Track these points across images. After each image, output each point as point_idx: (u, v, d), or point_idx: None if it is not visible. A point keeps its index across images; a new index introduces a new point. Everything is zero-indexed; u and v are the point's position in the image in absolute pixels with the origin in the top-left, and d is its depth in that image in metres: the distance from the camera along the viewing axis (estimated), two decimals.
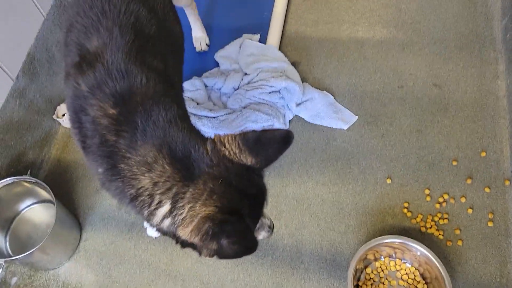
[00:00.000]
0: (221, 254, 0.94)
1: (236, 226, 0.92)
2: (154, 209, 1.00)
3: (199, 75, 2.03)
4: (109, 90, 1.04)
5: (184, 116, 1.11)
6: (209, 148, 1.00)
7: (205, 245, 0.92)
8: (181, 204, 0.96)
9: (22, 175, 1.67)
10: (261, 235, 1.17)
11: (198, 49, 2.14)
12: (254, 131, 0.96)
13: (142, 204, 1.01)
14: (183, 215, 0.95)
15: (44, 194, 1.73)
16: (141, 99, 1.04)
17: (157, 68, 1.13)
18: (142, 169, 0.99)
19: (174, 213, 0.97)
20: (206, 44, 2.14)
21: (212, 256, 0.95)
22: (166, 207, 0.98)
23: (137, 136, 1.01)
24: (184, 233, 0.96)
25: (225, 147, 0.98)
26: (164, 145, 1.00)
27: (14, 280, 1.69)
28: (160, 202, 0.99)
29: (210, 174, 0.97)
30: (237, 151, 0.96)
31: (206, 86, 1.99)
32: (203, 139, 1.04)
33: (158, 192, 0.98)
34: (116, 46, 1.09)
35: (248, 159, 0.95)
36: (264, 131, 0.95)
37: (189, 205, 0.95)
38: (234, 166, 0.98)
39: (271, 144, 0.94)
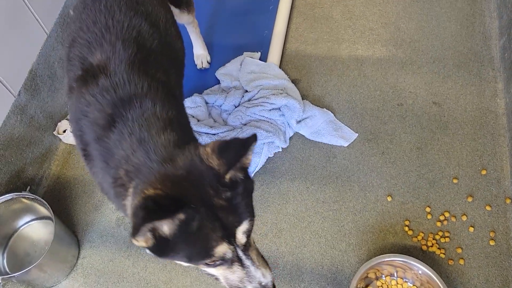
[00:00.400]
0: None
1: (161, 208, 0.85)
2: (124, 200, 1.00)
3: (200, 92, 2.05)
4: (111, 95, 1.06)
5: (180, 122, 1.11)
6: (190, 150, 0.96)
7: (134, 221, 0.84)
8: (138, 191, 0.94)
9: (21, 192, 1.66)
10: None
11: (199, 66, 2.15)
12: (231, 138, 0.94)
13: (120, 196, 1.01)
14: (136, 198, 0.93)
15: (43, 210, 1.72)
16: (139, 100, 1.06)
17: (159, 79, 1.15)
18: (122, 161, 1.00)
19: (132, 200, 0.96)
20: (207, 61, 2.16)
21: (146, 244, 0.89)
22: (129, 197, 0.98)
23: (125, 131, 1.02)
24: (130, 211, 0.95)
25: (206, 151, 0.95)
26: (149, 142, 0.99)
27: None
28: (127, 191, 0.99)
29: (176, 167, 0.94)
30: (208, 155, 0.93)
31: (206, 103, 1.99)
32: (191, 144, 1.00)
33: (128, 183, 0.98)
34: (119, 58, 1.11)
35: (214, 163, 0.92)
36: (238, 138, 0.93)
37: (145, 190, 0.91)
38: (204, 168, 0.92)
39: (234, 148, 0.92)
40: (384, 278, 1.53)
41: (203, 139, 1.81)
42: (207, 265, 0.95)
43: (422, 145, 1.80)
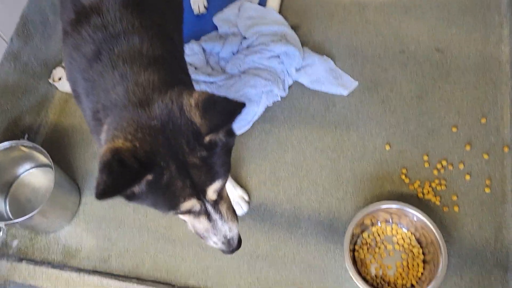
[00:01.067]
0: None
1: (127, 173, 0.81)
2: (100, 135, 0.97)
3: (197, 39, 1.99)
4: (102, 32, 1.04)
5: (172, 66, 1.07)
6: (172, 96, 0.91)
7: (98, 180, 0.80)
8: (110, 132, 0.90)
9: (19, 140, 1.66)
10: (211, 242, 1.05)
11: (196, 11, 2.09)
12: (219, 96, 0.88)
13: (97, 131, 0.99)
14: (106, 144, 0.90)
15: (42, 158, 1.73)
16: (128, 36, 1.03)
17: (154, 21, 1.11)
18: (102, 95, 0.98)
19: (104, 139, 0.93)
20: (204, 6, 2.09)
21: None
22: (104, 134, 0.95)
23: (109, 64, 0.99)
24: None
25: (189, 101, 0.89)
26: (130, 77, 0.96)
27: (15, 242, 1.72)
28: (102, 127, 0.96)
29: (151, 115, 0.89)
30: (192, 108, 0.87)
31: (204, 50, 1.95)
32: (174, 90, 0.93)
33: (104, 119, 0.96)
34: None
35: (196, 118, 0.86)
36: (226, 99, 0.86)
37: (114, 135, 0.88)
38: (183, 121, 0.87)
39: (222, 112, 0.85)
40: (379, 224, 1.56)
41: (200, 87, 1.79)
42: (174, 214, 0.96)
43: (423, 93, 1.78)
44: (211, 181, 0.92)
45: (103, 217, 1.71)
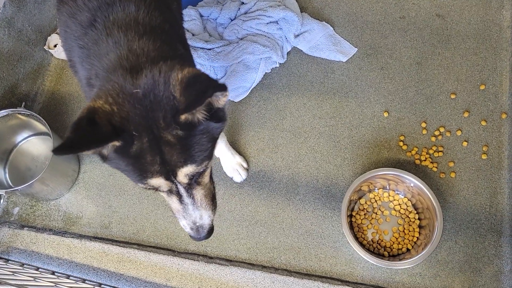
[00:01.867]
0: None
1: (93, 134, 0.80)
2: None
3: (194, 4, 1.95)
4: (96, 2, 1.02)
5: (168, 36, 1.04)
6: (162, 68, 0.88)
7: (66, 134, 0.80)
8: (93, 96, 0.89)
9: (16, 108, 1.65)
10: (181, 223, 1.04)
11: None
12: (205, 75, 0.84)
13: (88, 97, 0.98)
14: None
15: (40, 126, 1.73)
16: (124, 3, 1.01)
17: None
18: (95, 62, 0.97)
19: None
20: None
21: None
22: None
23: (104, 32, 0.98)
24: None
25: (177, 76, 0.86)
26: (124, 44, 0.94)
27: (16, 210, 1.74)
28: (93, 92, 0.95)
29: (135, 83, 0.86)
30: (177, 83, 0.85)
31: (201, 16, 1.91)
32: (167, 62, 0.90)
33: (95, 84, 0.95)
34: None
35: (178, 94, 0.84)
36: (209, 78, 0.83)
37: (98, 95, 0.87)
38: (165, 95, 0.85)
39: (199, 89, 0.82)
40: (377, 190, 1.58)
41: (198, 54, 1.76)
42: (143, 187, 0.94)
43: (422, 59, 1.76)
44: (183, 163, 0.89)
45: (103, 185, 1.73)
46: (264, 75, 1.79)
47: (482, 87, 1.68)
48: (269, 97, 1.78)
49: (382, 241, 1.52)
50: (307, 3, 1.92)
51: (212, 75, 1.79)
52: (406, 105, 1.70)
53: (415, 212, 1.53)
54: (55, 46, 1.91)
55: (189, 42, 1.80)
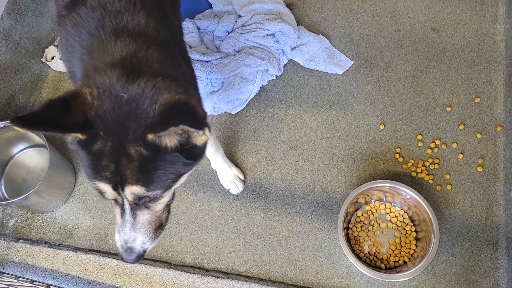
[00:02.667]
0: None
1: (59, 118, 0.79)
2: None
3: (191, 17, 1.97)
4: (100, 12, 1.01)
5: (171, 53, 1.04)
6: (158, 85, 0.86)
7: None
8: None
9: None
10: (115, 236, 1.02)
11: None
12: (189, 105, 0.83)
13: None
14: None
15: (37, 138, 1.73)
16: (129, 15, 1.01)
17: (154, 2, 1.09)
18: (97, 62, 0.94)
19: None
20: None
21: None
22: None
23: (107, 43, 0.96)
24: None
25: (165, 99, 0.85)
26: (130, 49, 0.93)
27: (11, 222, 1.73)
28: None
29: (125, 87, 0.85)
30: (162, 104, 0.84)
31: (198, 28, 1.93)
32: (167, 80, 0.89)
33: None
34: None
35: (156, 114, 0.83)
36: (190, 110, 0.82)
37: (87, 83, 0.87)
38: (145, 109, 0.84)
39: (170, 116, 0.80)
40: (373, 202, 1.58)
41: (195, 67, 1.77)
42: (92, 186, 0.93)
43: (418, 72, 1.78)
44: (134, 182, 0.87)
45: (100, 197, 1.71)
46: (261, 88, 1.80)
47: (477, 100, 1.70)
48: (265, 109, 1.78)
49: (378, 253, 1.52)
50: (304, 17, 1.94)
51: (209, 87, 1.79)
52: (402, 117, 1.71)
53: (412, 224, 1.54)
54: (52, 58, 1.91)
55: None
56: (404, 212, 1.55)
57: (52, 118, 0.79)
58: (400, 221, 1.55)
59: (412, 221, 1.54)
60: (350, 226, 1.56)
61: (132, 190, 0.88)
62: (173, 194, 1.04)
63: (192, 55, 1.81)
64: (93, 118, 0.83)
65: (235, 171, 1.65)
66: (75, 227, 1.69)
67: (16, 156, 1.79)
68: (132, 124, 0.84)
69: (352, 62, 1.82)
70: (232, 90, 1.76)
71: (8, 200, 1.64)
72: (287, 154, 1.70)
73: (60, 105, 0.80)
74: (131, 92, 0.85)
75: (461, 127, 1.67)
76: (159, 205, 0.98)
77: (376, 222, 1.56)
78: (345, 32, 1.89)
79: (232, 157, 1.71)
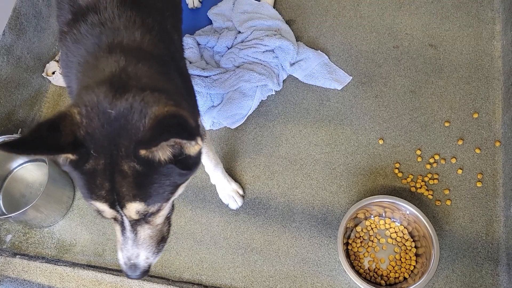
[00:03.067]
0: None
1: (49, 141, 0.79)
2: None
3: (192, 33, 1.99)
4: (100, 28, 1.01)
5: (169, 64, 1.04)
6: (146, 98, 0.85)
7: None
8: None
9: (12, 134, 1.66)
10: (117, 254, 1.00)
11: (190, 5, 2.08)
12: (181, 117, 0.82)
13: None
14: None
15: None
16: (128, 31, 1.01)
17: (155, 19, 1.10)
18: (90, 77, 0.94)
19: None
20: (199, 0, 2.08)
21: None
22: None
23: (106, 52, 0.96)
24: None
25: (155, 112, 0.83)
26: (119, 65, 0.92)
27: (9, 237, 1.72)
28: None
29: (113, 103, 0.84)
30: (152, 118, 0.83)
31: (198, 44, 1.95)
32: (156, 94, 0.87)
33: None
34: None
35: (146, 129, 0.82)
36: (181, 122, 0.80)
37: (75, 103, 0.87)
38: (134, 124, 0.83)
39: (162, 131, 0.79)
40: (373, 218, 1.57)
41: (195, 82, 1.78)
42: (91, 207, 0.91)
43: (416, 88, 1.79)
44: (130, 198, 0.85)
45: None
46: (260, 103, 1.81)
47: (476, 116, 1.71)
48: (265, 124, 1.79)
49: (378, 269, 1.51)
50: (303, 33, 1.96)
51: (209, 102, 1.80)
52: (401, 132, 1.72)
53: (412, 240, 1.53)
54: (53, 73, 1.93)
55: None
56: (404, 227, 1.54)
57: (41, 141, 0.78)
58: (400, 237, 1.54)
59: (412, 236, 1.53)
60: (350, 241, 1.55)
61: (130, 207, 0.87)
62: (172, 206, 1.03)
63: (192, 70, 1.82)
64: (83, 137, 0.82)
65: (234, 186, 1.65)
66: (73, 242, 1.68)
67: (15, 170, 1.78)
68: (123, 141, 0.82)
69: (351, 77, 1.83)
70: (231, 105, 1.77)
71: (6, 215, 1.64)
72: (286, 169, 1.70)
73: (48, 127, 0.79)
74: (119, 108, 0.83)
75: (460, 142, 1.67)
76: (159, 219, 0.97)
77: (376, 237, 1.55)
78: (344, 48, 1.90)
79: (231, 172, 1.71)
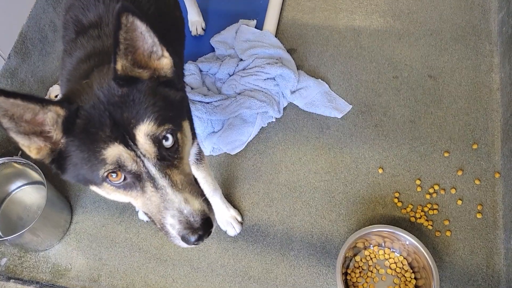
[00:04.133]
0: None
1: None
2: None
3: (194, 59, 2.02)
4: (99, 40, 1.06)
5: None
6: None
7: None
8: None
9: (12, 156, 1.66)
10: (168, 226, 0.87)
11: (193, 33, 2.12)
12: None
13: None
14: None
15: (35, 175, 1.72)
16: None
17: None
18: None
19: None
20: (202, 28, 2.12)
21: None
22: None
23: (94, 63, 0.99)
24: None
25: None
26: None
27: (4, 260, 1.69)
28: None
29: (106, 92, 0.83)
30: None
31: (201, 71, 1.97)
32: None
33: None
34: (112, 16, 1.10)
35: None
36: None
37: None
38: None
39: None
40: (372, 247, 1.56)
41: (196, 107, 1.80)
42: (109, 181, 0.81)
43: (416, 118, 1.80)
44: (136, 121, 0.79)
45: (95, 236, 1.70)
46: (260, 129, 1.82)
47: (475, 147, 1.71)
48: (265, 151, 1.79)
49: None
50: (304, 61, 1.99)
51: (210, 128, 1.81)
52: (401, 162, 1.72)
53: (411, 271, 1.51)
54: (56, 96, 1.94)
55: (188, 95, 1.84)
56: (404, 258, 1.53)
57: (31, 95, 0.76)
58: (400, 268, 1.52)
59: (412, 267, 1.51)
60: (349, 271, 1.53)
61: (144, 131, 0.80)
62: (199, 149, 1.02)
63: (194, 96, 1.84)
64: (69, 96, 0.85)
65: (232, 212, 1.64)
66: (68, 266, 1.66)
67: (13, 192, 1.78)
68: (106, 83, 0.83)
69: (351, 106, 1.84)
70: (232, 131, 1.78)
71: (2, 237, 1.62)
72: (286, 196, 1.70)
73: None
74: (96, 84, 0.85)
75: (460, 173, 1.67)
76: (184, 164, 0.88)
77: (375, 268, 1.53)
78: (344, 77, 1.93)
79: (230, 198, 1.70)
